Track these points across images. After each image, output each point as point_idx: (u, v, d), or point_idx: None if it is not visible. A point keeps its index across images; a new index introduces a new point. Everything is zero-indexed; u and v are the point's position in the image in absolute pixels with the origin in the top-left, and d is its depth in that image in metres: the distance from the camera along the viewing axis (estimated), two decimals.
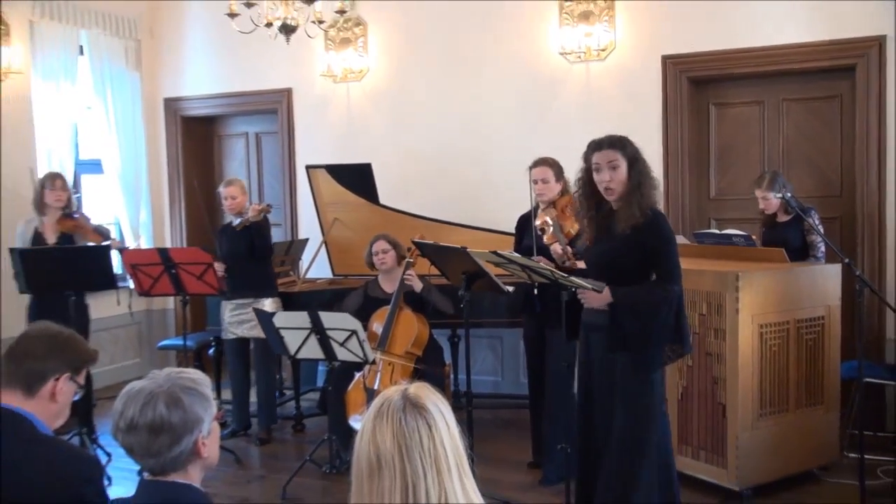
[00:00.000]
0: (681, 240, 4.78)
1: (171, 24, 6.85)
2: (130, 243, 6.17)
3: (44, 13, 5.89)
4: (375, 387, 4.45)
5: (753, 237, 4.64)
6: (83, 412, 4.61)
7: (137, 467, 1.77)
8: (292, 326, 4.22)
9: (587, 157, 3.20)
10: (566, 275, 3.20)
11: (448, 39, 5.94)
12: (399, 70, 6.14)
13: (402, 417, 1.40)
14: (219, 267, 4.97)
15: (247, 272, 5.06)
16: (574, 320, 3.34)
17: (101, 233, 5.15)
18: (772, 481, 3.98)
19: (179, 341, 5.45)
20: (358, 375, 4.57)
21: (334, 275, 5.80)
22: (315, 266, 5.72)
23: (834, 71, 5.05)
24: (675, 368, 4.08)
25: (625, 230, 3.09)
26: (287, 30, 4.82)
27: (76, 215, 5.13)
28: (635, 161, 3.13)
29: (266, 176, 6.98)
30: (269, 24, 4.83)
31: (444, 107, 5.98)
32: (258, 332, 4.83)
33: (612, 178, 3.11)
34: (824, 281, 4.14)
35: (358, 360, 4.20)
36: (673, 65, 5.36)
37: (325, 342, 4.17)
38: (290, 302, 5.27)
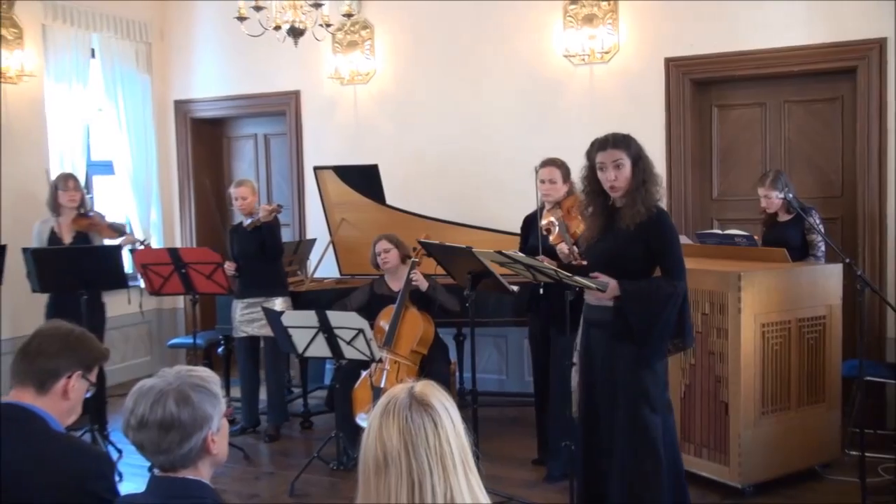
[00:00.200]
0: (684, 240, 4.77)
1: (181, 28, 6.90)
2: (143, 236, 6.17)
3: (56, 17, 5.96)
4: (382, 385, 4.48)
5: (755, 237, 4.66)
6: (95, 409, 4.65)
7: (148, 464, 1.78)
8: (300, 325, 4.25)
9: (590, 156, 3.22)
10: (570, 274, 3.21)
11: (454, 42, 5.97)
12: (405, 72, 6.18)
13: (408, 415, 1.41)
14: (230, 266, 5.03)
15: (258, 272, 5.10)
16: (573, 315, 3.37)
17: (117, 229, 5.22)
18: (773, 478, 4.00)
19: (189, 340, 5.49)
20: (365, 373, 4.61)
21: (341, 274, 5.83)
22: (322, 266, 5.76)
23: (835, 73, 5.06)
24: (678, 367, 4.10)
25: (629, 227, 3.11)
26: (295, 33, 4.83)
27: (91, 213, 5.20)
28: (639, 159, 3.14)
29: (274, 177, 7.02)
30: (277, 28, 4.84)
31: (450, 109, 6.01)
32: (268, 331, 4.87)
33: (616, 177, 3.13)
34: (825, 281, 4.16)
35: (365, 358, 4.23)
36: (675, 67, 5.38)
37: (332, 341, 4.21)
38: (298, 301, 5.30)
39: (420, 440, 1.39)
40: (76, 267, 4.68)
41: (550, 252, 3.89)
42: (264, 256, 5.07)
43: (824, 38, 4.96)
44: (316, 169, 5.68)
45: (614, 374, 3.19)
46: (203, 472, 1.74)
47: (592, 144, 3.23)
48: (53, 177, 5.40)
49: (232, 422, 5.12)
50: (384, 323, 4.67)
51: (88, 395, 2.12)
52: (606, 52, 5.51)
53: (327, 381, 5.92)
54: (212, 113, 6.97)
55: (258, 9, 4.74)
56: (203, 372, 1.76)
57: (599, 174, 3.19)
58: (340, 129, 6.42)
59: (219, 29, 6.66)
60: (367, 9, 6.23)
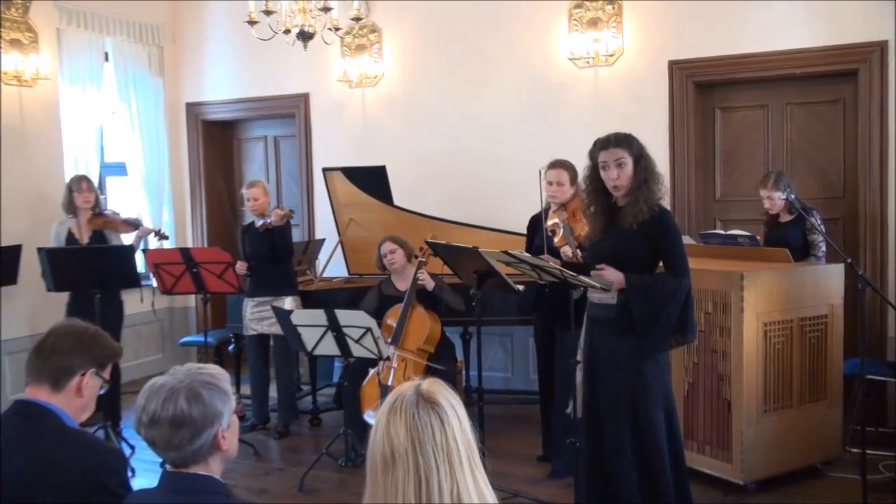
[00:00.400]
0: (687, 240, 4.79)
1: (193, 32, 6.97)
2: (155, 224, 6.25)
3: (70, 21, 6.04)
4: (389, 383, 4.51)
5: (758, 237, 4.69)
6: (108, 406, 4.70)
7: (160, 459, 1.79)
8: (309, 324, 4.30)
9: (593, 155, 3.24)
10: (575, 273, 3.23)
11: (460, 45, 6.02)
12: (413, 75, 6.22)
13: (415, 412, 1.42)
14: (241, 266, 5.07)
15: (268, 271, 5.14)
16: (577, 313, 3.40)
17: (131, 223, 5.29)
18: (775, 475, 4.02)
19: (200, 338, 5.57)
20: (372, 371, 4.65)
21: (350, 274, 5.87)
22: (331, 265, 5.79)
23: (836, 76, 5.08)
24: (682, 365, 4.13)
25: (632, 226, 3.12)
26: (304, 36, 4.85)
27: (106, 212, 5.29)
28: (641, 158, 3.16)
29: (284, 178, 7.07)
30: (287, 31, 4.87)
31: (457, 111, 6.05)
32: (278, 329, 4.93)
33: (619, 176, 3.15)
34: (827, 280, 4.17)
35: (372, 356, 4.27)
36: (679, 70, 5.41)
37: (340, 339, 4.25)
38: (308, 300, 5.33)
39: (427, 437, 1.40)
40: (90, 266, 4.74)
41: (555, 253, 3.91)
42: (275, 257, 5.12)
43: (826, 41, 4.98)
44: (325, 170, 5.72)
45: (617, 371, 3.20)
46: (214, 468, 1.76)
47: (595, 144, 3.25)
48: (67, 178, 5.49)
49: (242, 418, 5.15)
50: (391, 321, 4.70)
51: (102, 392, 2.14)
52: (611, 55, 5.55)
53: (336, 378, 5.97)
54: (223, 115, 7.03)
55: (268, 13, 4.77)
56: (213, 369, 1.78)
57: (602, 173, 3.21)
58: (349, 130, 6.47)
59: (229, 33, 6.73)
60: (375, 13, 6.29)
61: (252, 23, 4.84)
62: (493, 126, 5.94)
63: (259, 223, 5.13)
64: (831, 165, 5.26)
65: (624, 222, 3.16)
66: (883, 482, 4.02)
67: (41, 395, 2.03)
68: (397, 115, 6.29)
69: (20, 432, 1.97)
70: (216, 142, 7.22)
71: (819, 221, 4.51)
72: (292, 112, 6.70)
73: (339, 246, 5.80)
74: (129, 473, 2.16)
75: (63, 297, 5.08)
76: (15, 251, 5.21)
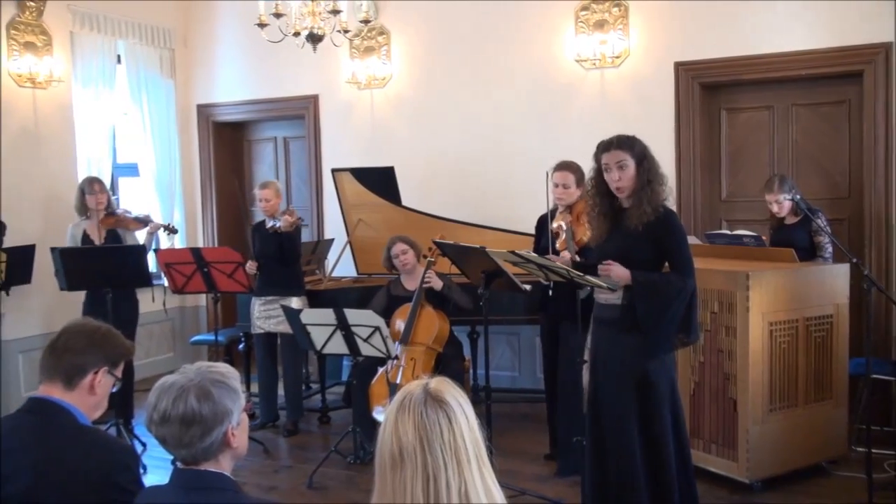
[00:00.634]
0: (693, 240, 4.81)
1: (204, 34, 7.03)
2: (164, 220, 6.29)
3: (84, 24, 6.11)
4: (398, 381, 4.53)
5: (763, 238, 4.70)
6: (120, 404, 4.75)
7: (171, 457, 1.81)
8: (318, 323, 4.33)
9: (597, 157, 3.26)
10: (581, 273, 3.25)
11: (468, 47, 6.05)
12: (421, 77, 6.26)
13: (423, 411, 1.43)
14: (251, 265, 5.10)
15: (276, 271, 5.17)
16: (586, 313, 3.41)
17: (142, 220, 5.35)
18: (781, 474, 4.03)
19: (211, 337, 5.61)
20: (381, 370, 4.66)
21: (358, 273, 5.90)
22: (340, 265, 5.83)
23: (842, 77, 5.08)
24: (688, 364, 4.15)
25: (637, 227, 3.13)
26: (314, 39, 4.87)
27: (117, 211, 5.36)
28: (643, 159, 3.16)
29: (293, 178, 7.11)
30: (296, 34, 4.90)
31: (464, 112, 6.08)
32: (285, 328, 4.96)
33: (621, 178, 3.16)
34: (833, 280, 4.18)
35: (381, 355, 4.30)
36: (685, 71, 5.42)
37: (349, 338, 4.28)
38: (317, 299, 5.36)
39: (435, 435, 1.41)
40: (102, 266, 4.81)
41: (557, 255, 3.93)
42: (282, 258, 5.15)
43: (831, 42, 4.99)
44: (334, 171, 5.76)
45: (622, 371, 3.20)
46: (224, 465, 1.77)
47: (598, 146, 3.27)
48: (80, 179, 5.55)
49: (252, 416, 5.20)
50: (400, 321, 4.73)
51: (114, 389, 2.16)
52: (617, 57, 5.57)
53: (345, 377, 6.00)
54: (233, 116, 7.08)
55: (278, 15, 4.80)
56: (223, 368, 1.79)
57: (605, 175, 3.22)
58: (357, 132, 6.51)
59: (240, 35, 6.78)
60: (383, 15, 6.32)
61: (262, 25, 4.87)
62: (501, 127, 5.97)
63: (269, 224, 5.17)
64: (836, 166, 5.26)
65: (629, 224, 3.17)
66: (888, 481, 4.02)
67: (55, 392, 2.05)
68: (405, 116, 6.33)
69: (34, 429, 2.00)
70: (226, 143, 7.27)
71: (824, 223, 4.52)
72: (302, 113, 6.75)
73: (348, 246, 5.83)
74: (141, 470, 2.19)
75: (76, 296, 5.14)
76: (29, 251, 5.28)
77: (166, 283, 5.21)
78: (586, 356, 3.45)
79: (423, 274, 4.76)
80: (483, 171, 6.02)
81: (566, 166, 4.22)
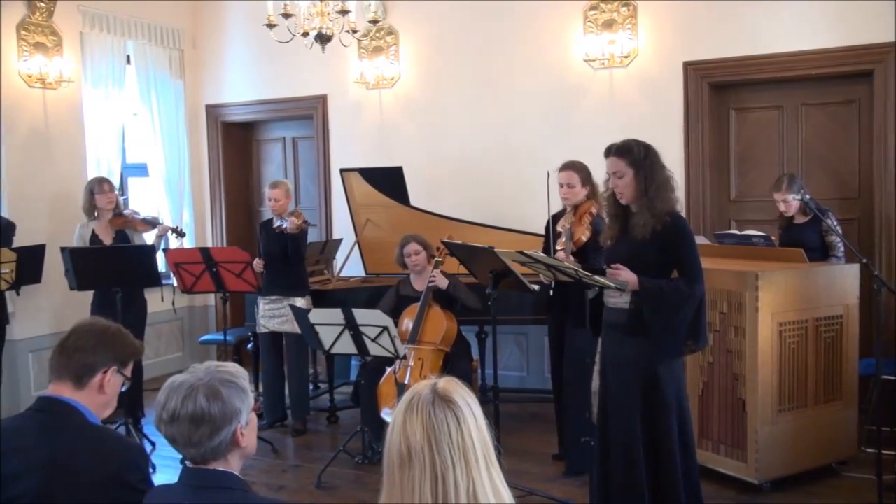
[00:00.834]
0: (702, 240, 4.82)
1: (213, 35, 7.05)
2: (172, 223, 6.31)
3: (94, 25, 6.15)
4: (406, 381, 4.53)
5: (773, 238, 4.69)
6: (129, 403, 4.77)
7: (180, 456, 1.81)
8: (327, 323, 4.33)
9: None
10: (590, 273, 3.24)
11: (476, 47, 6.06)
12: (429, 77, 6.27)
13: (431, 411, 1.42)
14: (258, 263, 5.10)
15: (280, 271, 5.18)
16: (597, 317, 3.39)
17: (150, 222, 5.38)
18: (790, 475, 4.02)
19: (220, 336, 5.61)
20: (389, 370, 4.67)
21: (367, 273, 5.92)
22: (348, 265, 5.85)
23: (852, 76, 5.07)
24: (697, 365, 4.13)
25: (643, 235, 3.13)
26: (322, 39, 4.89)
27: (125, 212, 5.38)
28: (641, 167, 3.13)
29: (302, 178, 7.13)
30: (305, 34, 4.91)
31: (472, 112, 6.09)
32: (289, 328, 4.97)
33: (618, 185, 3.18)
34: (842, 280, 4.16)
35: (389, 355, 4.30)
36: (694, 71, 5.42)
37: (358, 338, 4.29)
38: (325, 299, 5.37)
39: (443, 435, 1.41)
40: (111, 266, 4.83)
41: (573, 252, 3.94)
42: (286, 259, 5.15)
43: (841, 41, 4.98)
44: (342, 171, 5.77)
45: (628, 375, 3.20)
46: (233, 464, 1.78)
47: (605, 150, 3.31)
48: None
49: (260, 416, 5.22)
50: (408, 321, 4.73)
51: (124, 389, 2.16)
52: (626, 57, 5.56)
53: (353, 377, 6.00)
54: (242, 117, 7.11)
55: (287, 16, 4.82)
56: (232, 367, 1.79)
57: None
58: (366, 132, 6.52)
59: (248, 36, 6.81)
60: (392, 15, 6.34)
61: (271, 26, 4.89)
62: (509, 127, 5.97)
63: (276, 224, 5.17)
64: (846, 166, 5.25)
65: (635, 232, 3.18)
66: None
67: (64, 391, 2.05)
68: (414, 116, 6.34)
69: (44, 428, 2.00)
70: (235, 143, 7.30)
71: (835, 222, 4.51)
72: (310, 113, 6.76)
73: (357, 246, 5.85)
74: (151, 469, 2.18)
75: (85, 296, 5.17)
76: (39, 251, 5.31)
77: (175, 283, 5.23)
78: (597, 359, 3.44)
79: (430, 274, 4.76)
80: (491, 171, 6.03)
81: (570, 166, 4.22)
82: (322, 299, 5.39)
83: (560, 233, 4.03)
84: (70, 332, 2.11)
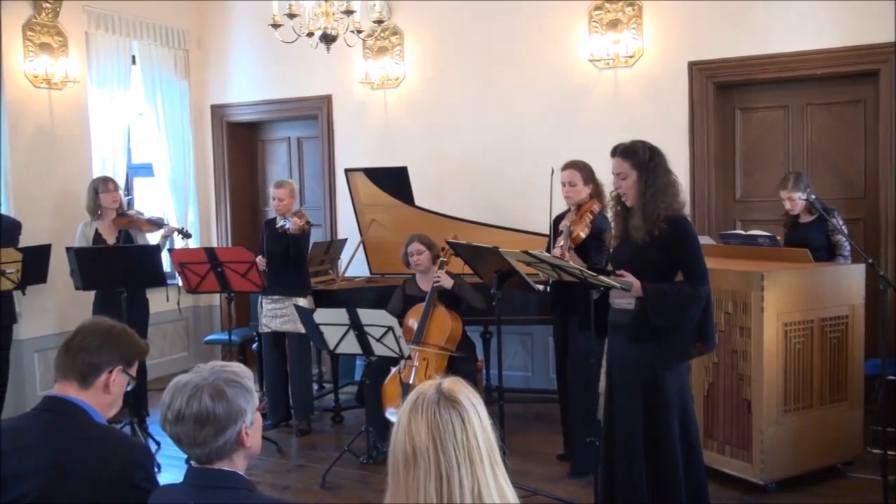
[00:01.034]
0: (707, 240, 4.82)
1: (218, 35, 7.07)
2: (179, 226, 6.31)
3: (99, 25, 6.16)
4: (411, 381, 4.54)
5: (778, 238, 4.68)
6: (134, 402, 4.78)
7: (185, 456, 1.81)
8: (332, 322, 4.33)
9: None
10: (595, 273, 3.24)
11: (481, 47, 6.06)
12: (434, 77, 6.27)
13: (436, 411, 1.43)
14: (261, 261, 5.10)
15: (282, 272, 5.18)
16: (603, 318, 3.39)
17: (155, 222, 5.38)
18: (796, 475, 4.01)
19: (224, 336, 5.62)
20: (394, 370, 4.67)
21: (371, 273, 5.92)
22: (353, 265, 5.86)
23: (857, 76, 5.06)
24: (702, 366, 4.13)
25: (642, 238, 3.13)
26: (327, 39, 4.89)
27: (130, 212, 5.39)
28: (644, 170, 3.13)
29: (307, 178, 7.14)
30: (310, 34, 4.92)
31: (477, 112, 6.09)
32: (292, 327, 4.97)
33: (620, 185, 3.20)
34: (848, 280, 4.15)
35: (394, 355, 4.30)
36: (699, 71, 5.41)
37: (362, 338, 4.29)
38: (330, 299, 5.37)
39: (448, 435, 1.41)
40: (117, 265, 4.84)
41: (576, 251, 3.94)
42: (287, 261, 5.15)
43: (846, 41, 4.96)
44: (347, 171, 5.78)
45: (632, 376, 3.20)
46: (238, 464, 1.78)
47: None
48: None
49: (265, 416, 5.22)
50: (413, 321, 4.73)
51: (129, 388, 2.17)
52: (631, 57, 5.56)
53: (358, 376, 6.02)
54: (247, 117, 7.12)
55: (292, 16, 4.81)
56: (237, 367, 1.80)
57: None
58: (371, 132, 6.53)
59: (253, 36, 6.82)
60: (397, 16, 6.34)
61: (276, 26, 4.89)
62: (514, 127, 5.97)
63: (279, 224, 5.18)
64: (852, 166, 5.24)
65: (632, 234, 3.18)
66: None
67: (70, 391, 2.06)
68: (418, 116, 6.34)
69: (49, 427, 2.01)
70: (240, 143, 7.31)
71: (840, 222, 4.50)
72: (315, 113, 6.77)
73: (361, 246, 5.85)
74: (156, 469, 2.19)
75: (91, 296, 5.17)
76: (44, 250, 5.32)
77: (180, 283, 5.24)
78: (604, 361, 3.44)
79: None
80: (496, 171, 6.03)
81: (573, 164, 4.23)
82: (327, 299, 5.38)
83: (562, 232, 4.03)
84: (75, 331, 2.11)
